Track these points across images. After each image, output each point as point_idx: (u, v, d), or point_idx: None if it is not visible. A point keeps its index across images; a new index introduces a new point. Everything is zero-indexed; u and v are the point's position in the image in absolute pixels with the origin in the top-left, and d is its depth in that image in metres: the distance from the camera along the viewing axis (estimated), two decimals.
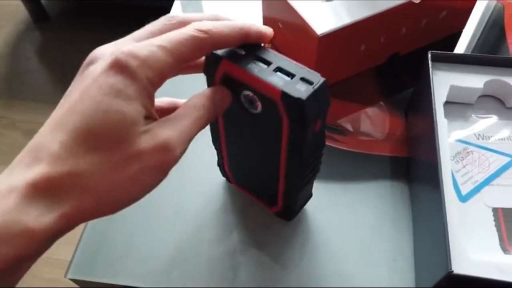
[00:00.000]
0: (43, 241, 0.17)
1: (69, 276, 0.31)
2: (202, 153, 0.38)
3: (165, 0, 0.50)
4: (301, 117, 0.22)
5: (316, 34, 0.34)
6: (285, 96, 0.21)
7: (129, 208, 0.33)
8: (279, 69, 0.22)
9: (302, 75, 0.22)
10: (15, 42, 1.47)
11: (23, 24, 1.53)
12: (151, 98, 0.20)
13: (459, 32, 0.45)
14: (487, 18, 0.45)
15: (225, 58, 0.22)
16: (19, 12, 1.53)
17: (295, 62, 0.22)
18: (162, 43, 0.20)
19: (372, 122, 0.39)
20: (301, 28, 0.36)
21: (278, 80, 0.21)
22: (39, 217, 0.17)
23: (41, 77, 1.38)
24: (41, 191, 0.17)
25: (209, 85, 0.25)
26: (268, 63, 0.22)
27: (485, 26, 0.45)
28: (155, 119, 0.20)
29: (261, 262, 0.31)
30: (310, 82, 0.21)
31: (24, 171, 0.17)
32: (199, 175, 0.36)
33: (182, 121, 0.20)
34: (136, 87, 0.19)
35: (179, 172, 0.36)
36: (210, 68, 0.23)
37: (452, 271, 0.23)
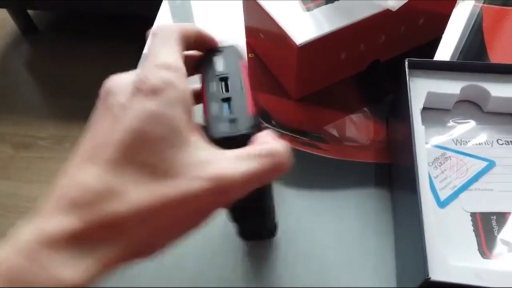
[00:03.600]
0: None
1: None
2: None
3: (153, 11, 0.50)
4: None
5: (296, 44, 0.35)
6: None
7: None
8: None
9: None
10: (4, 54, 1.47)
11: (11, 37, 1.53)
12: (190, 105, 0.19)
13: (439, 38, 0.45)
14: (472, 23, 0.46)
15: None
16: (7, 24, 1.53)
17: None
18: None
19: (357, 128, 0.40)
20: (281, 38, 0.36)
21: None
22: (74, 268, 0.15)
23: (30, 90, 1.38)
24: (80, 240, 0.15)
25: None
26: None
27: (470, 31, 0.46)
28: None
29: (243, 273, 0.31)
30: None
31: (56, 218, 0.16)
32: None
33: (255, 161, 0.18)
34: (174, 104, 0.18)
35: None
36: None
37: (430, 278, 0.23)
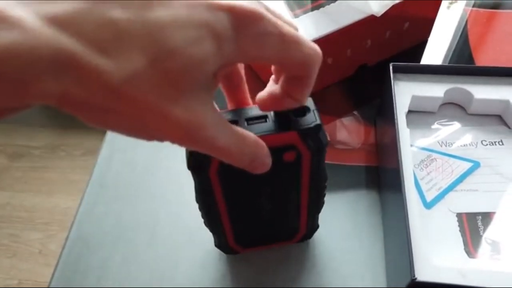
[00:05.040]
0: None
1: None
2: (176, 172, 0.38)
3: None
4: (322, 140, 0.22)
5: None
6: (302, 133, 0.22)
7: (104, 231, 0.34)
8: (252, 119, 0.22)
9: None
10: None
11: None
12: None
13: (426, 41, 0.46)
14: (459, 27, 0.47)
15: None
16: None
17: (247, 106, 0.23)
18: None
19: (348, 131, 0.40)
20: None
21: (277, 126, 0.22)
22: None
23: None
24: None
25: (200, 184, 0.24)
26: (235, 122, 0.22)
27: (456, 36, 0.46)
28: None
29: (234, 274, 0.31)
30: (304, 109, 0.22)
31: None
32: (175, 195, 0.36)
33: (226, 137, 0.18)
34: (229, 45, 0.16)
35: (156, 193, 0.36)
36: (199, 166, 0.23)
37: (416, 279, 0.24)
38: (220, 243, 0.31)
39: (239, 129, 0.19)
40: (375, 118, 0.40)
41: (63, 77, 0.14)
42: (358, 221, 0.34)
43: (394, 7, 0.36)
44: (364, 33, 0.39)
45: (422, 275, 0.24)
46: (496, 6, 0.49)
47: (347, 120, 0.41)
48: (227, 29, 0.16)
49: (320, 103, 0.41)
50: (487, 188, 0.30)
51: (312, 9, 0.38)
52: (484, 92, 0.33)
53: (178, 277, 0.32)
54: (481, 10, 0.48)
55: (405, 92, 0.33)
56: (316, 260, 0.32)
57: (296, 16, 0.38)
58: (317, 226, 0.32)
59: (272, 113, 0.22)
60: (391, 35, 0.42)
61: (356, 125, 0.40)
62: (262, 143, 0.20)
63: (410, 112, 0.33)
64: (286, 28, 0.18)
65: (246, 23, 0.17)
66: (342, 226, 0.33)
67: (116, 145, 0.40)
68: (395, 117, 0.30)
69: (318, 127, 0.22)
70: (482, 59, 0.43)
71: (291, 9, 0.39)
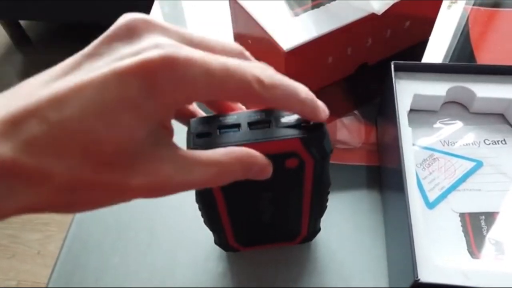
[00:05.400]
0: None
1: None
2: None
3: None
4: (326, 148, 0.21)
5: (283, 49, 0.35)
6: (305, 141, 0.21)
7: (103, 231, 0.33)
8: (255, 123, 0.21)
9: (281, 114, 0.21)
10: None
11: (4, 48, 1.53)
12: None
13: (427, 40, 0.46)
14: (460, 26, 0.47)
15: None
16: (0, 35, 1.53)
17: (250, 109, 0.22)
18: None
19: (349, 130, 0.40)
20: (268, 44, 0.37)
21: (280, 132, 0.20)
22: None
23: None
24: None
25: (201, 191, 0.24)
26: (237, 125, 0.21)
27: (457, 34, 0.46)
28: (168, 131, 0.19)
29: (233, 274, 0.31)
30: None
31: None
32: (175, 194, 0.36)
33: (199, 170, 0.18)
34: (159, 104, 0.16)
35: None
36: None
37: (419, 280, 0.23)
38: (220, 241, 0.30)
39: (217, 153, 0.19)
40: (376, 117, 0.40)
41: (17, 189, 0.14)
42: (359, 221, 0.33)
43: (395, 5, 0.36)
44: (365, 32, 0.39)
45: (425, 276, 0.24)
46: (496, 5, 0.49)
47: (347, 120, 0.41)
48: (143, 92, 0.16)
49: None
50: (490, 188, 0.30)
51: (313, 8, 0.38)
52: (486, 91, 0.33)
53: (177, 275, 0.31)
54: (482, 8, 0.48)
55: (407, 91, 0.33)
56: (317, 261, 0.32)
57: (296, 14, 0.38)
58: (319, 229, 0.31)
59: (274, 116, 0.21)
60: (392, 34, 0.41)
61: (357, 124, 0.40)
62: (250, 154, 0.19)
63: (411, 111, 0.33)
64: (208, 59, 0.17)
65: (159, 76, 0.16)
66: (343, 226, 0.33)
67: None
68: (397, 116, 0.30)
69: (322, 135, 0.21)
70: (484, 58, 0.43)
71: (292, 7, 0.38)
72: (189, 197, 0.26)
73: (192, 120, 0.22)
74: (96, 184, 0.16)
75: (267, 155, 0.20)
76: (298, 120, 0.21)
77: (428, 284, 0.24)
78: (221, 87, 0.17)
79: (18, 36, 1.51)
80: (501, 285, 0.24)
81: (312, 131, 0.21)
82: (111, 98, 0.15)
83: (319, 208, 0.28)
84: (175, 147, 0.18)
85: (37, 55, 1.50)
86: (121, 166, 0.16)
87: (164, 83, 0.16)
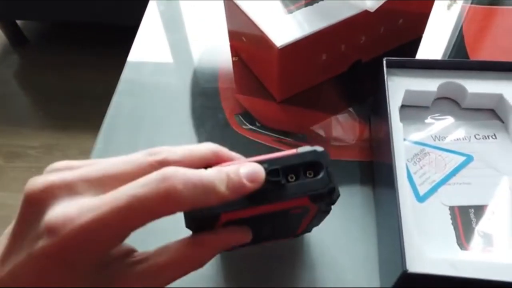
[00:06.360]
0: None
1: None
2: None
3: (139, 20, 0.51)
4: (334, 199, 0.21)
5: (276, 46, 0.35)
6: (314, 198, 0.20)
7: None
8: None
9: (295, 162, 0.20)
10: None
11: (0, 48, 1.53)
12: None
13: (420, 37, 0.46)
14: (458, 23, 0.47)
15: (222, 212, 0.19)
16: None
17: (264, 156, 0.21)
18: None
19: (343, 127, 0.40)
20: (262, 41, 0.37)
21: (291, 188, 0.19)
22: None
23: (20, 101, 1.37)
24: None
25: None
26: None
27: (454, 31, 0.46)
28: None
29: (228, 271, 0.31)
30: (317, 165, 0.20)
31: None
32: None
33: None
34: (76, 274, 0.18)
35: None
36: (203, 225, 0.21)
37: (407, 270, 0.24)
38: None
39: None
40: (369, 114, 0.40)
41: None
42: (352, 215, 0.34)
43: (388, 2, 0.36)
44: (358, 29, 0.39)
45: (413, 267, 0.24)
46: (492, 3, 0.49)
47: (342, 117, 0.41)
48: (60, 269, 0.17)
49: (314, 100, 0.42)
50: (480, 182, 0.30)
51: (306, 5, 0.38)
52: (477, 86, 0.33)
53: None
54: (478, 6, 0.49)
55: (399, 87, 0.34)
56: (309, 255, 0.32)
57: (290, 11, 0.38)
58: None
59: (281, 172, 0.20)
60: (385, 31, 0.42)
61: (351, 122, 0.40)
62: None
63: (403, 106, 0.33)
64: (102, 213, 0.17)
65: (63, 254, 0.17)
66: (336, 220, 0.33)
67: (111, 144, 0.40)
68: (388, 112, 0.30)
69: (331, 191, 0.20)
70: (477, 55, 0.43)
71: (285, 5, 0.39)
72: None
73: None
74: None
75: (274, 211, 0.20)
76: (301, 169, 0.20)
77: (416, 274, 0.24)
78: (128, 224, 0.18)
79: (15, 36, 1.51)
80: (490, 275, 0.24)
81: (320, 188, 0.20)
82: (37, 278, 0.17)
83: (317, 225, 0.28)
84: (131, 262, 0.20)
85: (34, 54, 1.50)
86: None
87: (70, 257, 0.17)
